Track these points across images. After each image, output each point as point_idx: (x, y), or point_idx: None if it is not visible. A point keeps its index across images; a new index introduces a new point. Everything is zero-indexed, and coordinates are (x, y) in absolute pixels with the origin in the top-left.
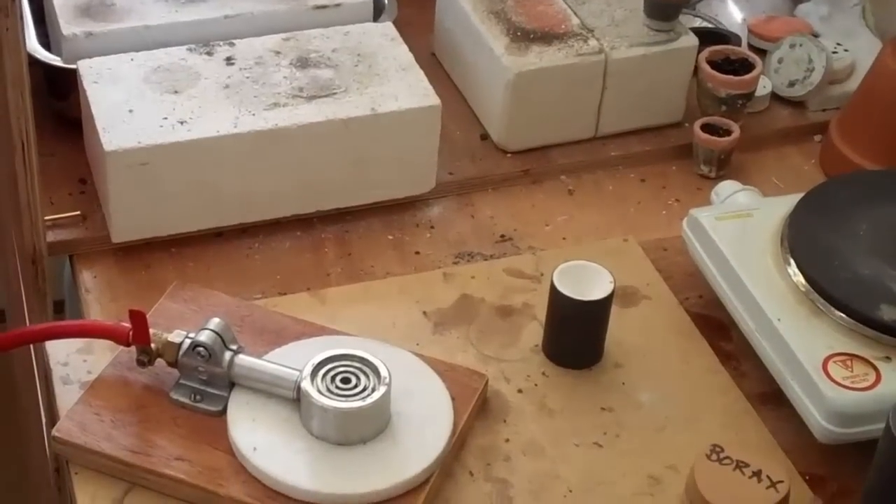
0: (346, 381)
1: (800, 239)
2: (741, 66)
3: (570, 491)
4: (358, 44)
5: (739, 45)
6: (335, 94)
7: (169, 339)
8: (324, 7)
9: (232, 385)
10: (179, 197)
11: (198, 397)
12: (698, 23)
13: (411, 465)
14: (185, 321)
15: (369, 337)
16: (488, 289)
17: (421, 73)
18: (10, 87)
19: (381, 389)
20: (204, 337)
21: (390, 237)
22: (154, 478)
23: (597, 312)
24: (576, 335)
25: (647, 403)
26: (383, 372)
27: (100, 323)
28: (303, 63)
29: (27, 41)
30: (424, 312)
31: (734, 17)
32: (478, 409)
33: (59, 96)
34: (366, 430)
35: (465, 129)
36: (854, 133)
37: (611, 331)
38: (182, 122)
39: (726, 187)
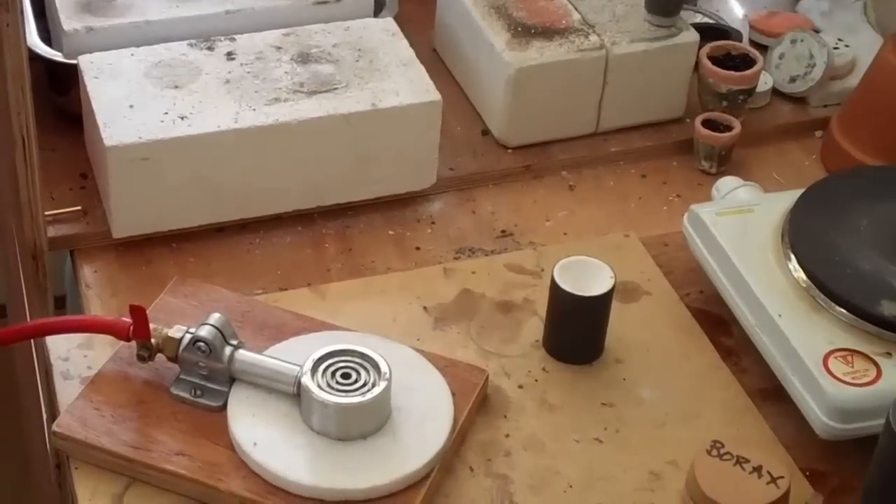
0: (346, 376)
1: (800, 234)
2: (742, 62)
3: (571, 486)
4: (359, 39)
5: (740, 40)
6: (336, 89)
7: (169, 334)
8: (325, 2)
9: (232, 380)
10: (180, 192)
11: (198, 392)
12: (699, 18)
13: (411, 461)
14: (185, 316)
15: (370, 332)
16: (489, 284)
17: (422, 68)
18: (11, 82)
19: (382, 385)
20: (204, 332)
21: (391, 232)
22: (154, 473)
23: (597, 308)
24: (576, 331)
25: (648, 399)
26: (384, 367)
27: (100, 318)
28: (304, 58)
29: (27, 36)
30: (425, 308)
31: (735, 12)
32: (478, 405)
33: (59, 91)
34: (366, 425)
35: (466, 124)
36: (855, 129)
37: (611, 326)
38: (183, 118)
39: (727, 183)
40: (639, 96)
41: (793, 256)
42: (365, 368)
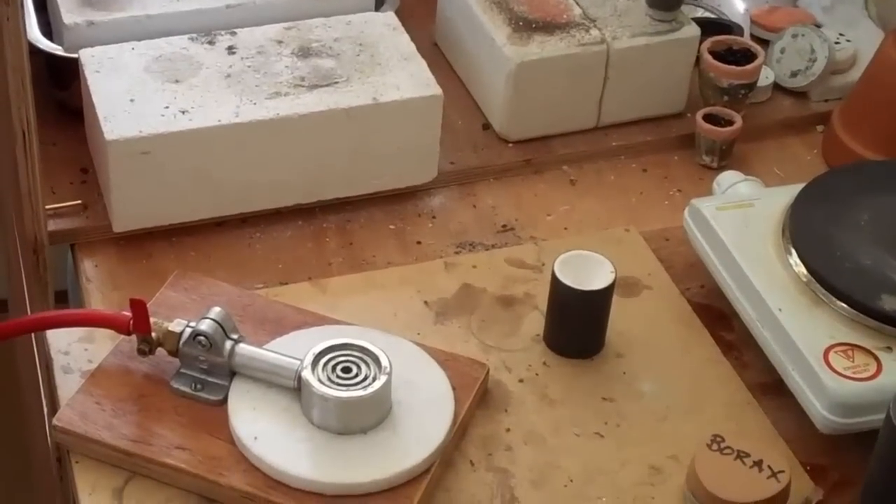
0: (346, 370)
1: (801, 229)
2: (743, 57)
3: (571, 481)
4: (360, 33)
5: (742, 35)
6: (337, 83)
7: (170, 328)
8: None
9: (233, 374)
10: (181, 186)
11: (198, 386)
12: (700, 13)
13: (412, 455)
14: (185, 310)
15: (370, 326)
16: (490, 278)
17: (423, 62)
18: (11, 76)
19: (382, 379)
20: (205, 326)
21: (392, 227)
22: (155, 467)
23: (598, 302)
24: (577, 325)
25: (649, 393)
26: (384, 361)
27: (101, 312)
28: (304, 52)
29: (28, 30)
30: (426, 302)
31: (736, 7)
32: (479, 399)
33: (60, 85)
34: (366, 419)
35: (467, 118)
36: (856, 123)
37: (612, 321)
38: (183, 112)
39: (728, 177)
40: (640, 91)
41: (793, 251)
42: (365, 362)
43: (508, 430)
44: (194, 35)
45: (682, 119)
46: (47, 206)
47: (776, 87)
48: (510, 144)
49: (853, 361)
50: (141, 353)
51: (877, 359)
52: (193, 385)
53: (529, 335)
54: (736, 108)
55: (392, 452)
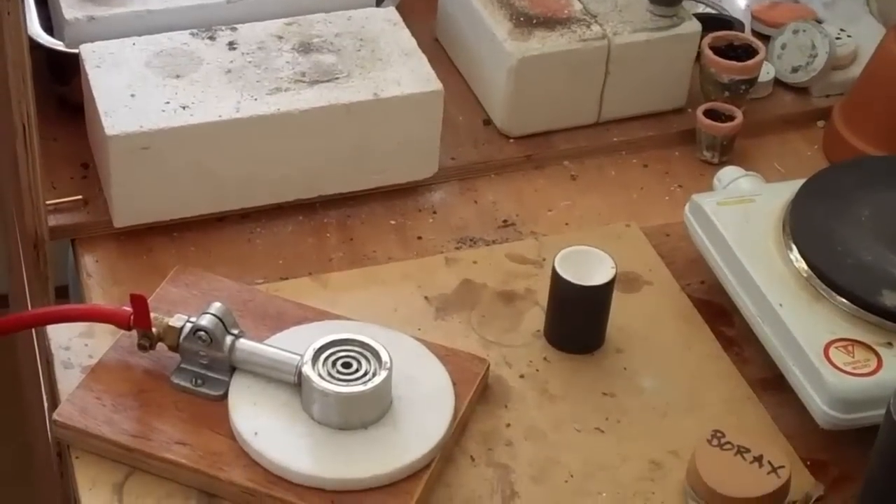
0: (347, 365)
1: (802, 224)
2: (744, 52)
3: (572, 476)
4: (361, 29)
5: (743, 30)
6: (338, 79)
7: (170, 323)
8: None
9: (233, 369)
10: (181, 181)
11: (199, 381)
12: (701, 8)
13: (412, 450)
14: (186, 305)
15: (371, 322)
16: (490, 274)
17: (423, 58)
18: (12, 71)
19: (383, 374)
20: (205, 321)
21: (392, 222)
22: (155, 462)
23: (598, 298)
24: (577, 320)
25: (649, 389)
26: (384, 357)
27: (101, 307)
28: (305, 48)
29: (29, 25)
30: (426, 297)
31: (737, 2)
32: (479, 394)
33: (61, 81)
34: (367, 414)
35: (468, 114)
36: (857, 119)
37: (612, 316)
38: (184, 107)
39: (729, 173)
40: (641, 86)
41: (794, 246)
42: (366, 358)
43: (509, 425)
44: (195, 30)
45: (682, 114)
46: (48, 202)
47: (777, 82)
48: (511, 140)
49: (853, 357)
50: (141, 348)
51: (877, 354)
52: (194, 380)
53: (530, 330)
54: (737, 104)
55: (392, 448)
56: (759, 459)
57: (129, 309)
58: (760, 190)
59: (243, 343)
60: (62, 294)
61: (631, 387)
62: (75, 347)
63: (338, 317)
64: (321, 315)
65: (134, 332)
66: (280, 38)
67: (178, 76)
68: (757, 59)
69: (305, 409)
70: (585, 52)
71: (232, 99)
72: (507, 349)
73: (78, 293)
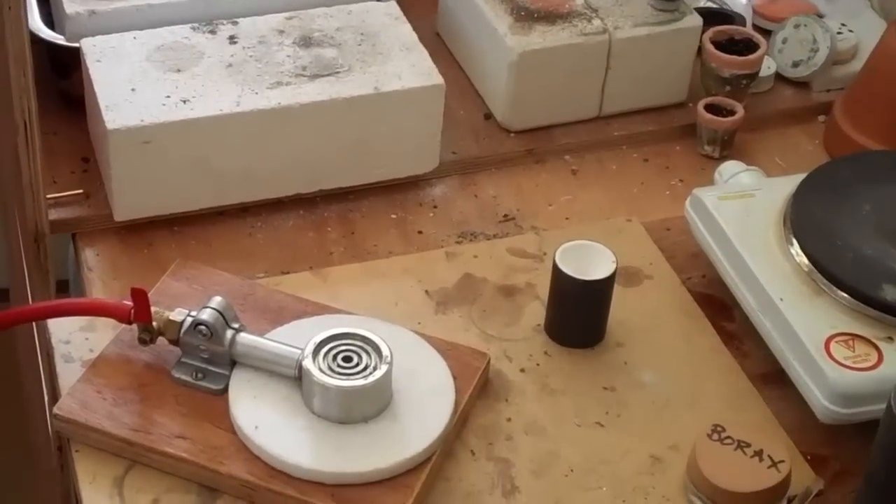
0: (347, 359)
1: (803, 219)
2: (745, 47)
3: (572, 470)
4: (361, 23)
5: (744, 25)
6: (338, 73)
7: (171, 317)
8: None
9: (233, 363)
10: (182, 175)
11: (199, 375)
12: (703, 3)
13: (413, 444)
14: (186, 299)
15: (371, 316)
16: (491, 268)
17: (424, 52)
18: (13, 65)
19: (383, 368)
20: (206, 315)
21: (393, 216)
22: (155, 456)
23: (599, 292)
24: (578, 315)
25: (649, 383)
26: (385, 351)
27: (102, 301)
28: (306, 42)
29: (30, 19)
30: (427, 292)
31: None
32: (479, 389)
33: (61, 75)
34: (367, 408)
35: (469, 108)
36: (858, 113)
37: (613, 310)
38: (185, 101)
39: (730, 167)
40: (642, 81)
41: (795, 241)
42: (366, 352)
43: (509, 419)
44: (196, 24)
45: (683, 109)
46: (48, 196)
47: (778, 77)
48: (512, 134)
49: (854, 351)
50: (142, 342)
51: (878, 349)
52: (194, 374)
53: (530, 325)
54: (738, 98)
55: (393, 442)
56: (759, 454)
57: (129, 303)
58: (761, 184)
59: (244, 337)
60: (63, 288)
61: (631, 381)
62: (76, 341)
63: (338, 311)
64: (322, 309)
65: (134, 326)
66: (281, 32)
67: (178, 70)
68: (758, 53)
69: (306, 403)
70: (586, 47)
71: (233, 93)
72: (507, 343)
73: (78, 287)
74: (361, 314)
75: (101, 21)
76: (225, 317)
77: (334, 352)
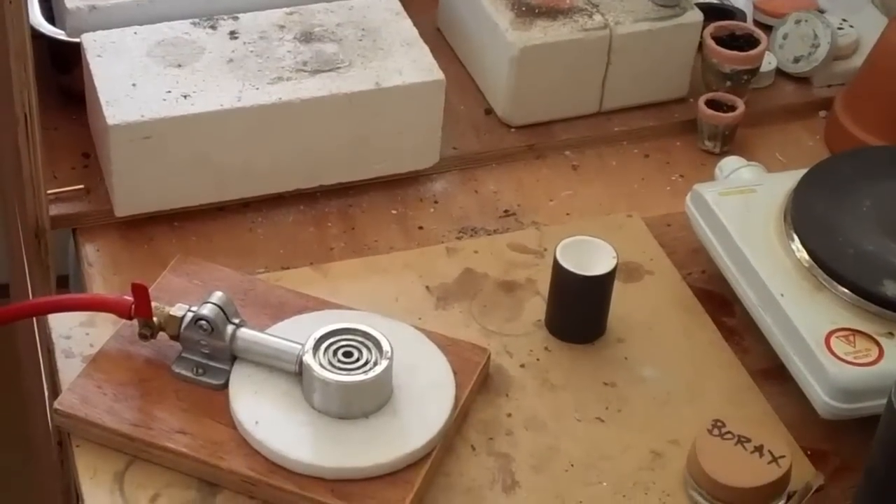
0: (348, 354)
1: (803, 214)
2: (746, 42)
3: (572, 465)
4: (362, 18)
5: (745, 20)
6: (339, 68)
7: (171, 312)
8: None
9: (234, 359)
10: (182, 171)
11: (200, 371)
12: None
13: (413, 439)
14: (187, 295)
15: (372, 311)
16: (491, 264)
17: (425, 47)
18: (14, 61)
19: (383, 363)
20: (206, 310)
21: (394, 212)
22: (156, 451)
23: (600, 287)
24: (578, 310)
25: (650, 378)
26: (385, 346)
27: (102, 296)
28: (307, 37)
29: (30, 14)
30: (427, 287)
31: None
32: (480, 384)
33: (62, 70)
34: (368, 403)
35: (470, 103)
36: (859, 109)
37: (613, 306)
38: (185, 96)
39: (730, 163)
40: (642, 76)
41: (795, 236)
42: (367, 347)
43: (509, 414)
44: (196, 20)
45: (684, 104)
46: (49, 191)
47: (779, 72)
48: (512, 129)
49: (854, 347)
50: (142, 337)
51: (878, 344)
52: (195, 369)
53: (531, 320)
54: (738, 94)
55: (393, 437)
56: (759, 449)
57: (130, 298)
58: (762, 180)
59: (244, 332)
60: (63, 283)
61: (632, 376)
62: (76, 336)
63: (339, 306)
64: (322, 304)
65: (135, 322)
66: (281, 27)
67: (179, 65)
68: (759, 49)
69: (306, 398)
70: (587, 42)
71: (233, 88)
72: (507, 339)
73: (79, 282)
74: (362, 309)
75: (101, 16)
76: (225, 312)
77: (335, 347)
